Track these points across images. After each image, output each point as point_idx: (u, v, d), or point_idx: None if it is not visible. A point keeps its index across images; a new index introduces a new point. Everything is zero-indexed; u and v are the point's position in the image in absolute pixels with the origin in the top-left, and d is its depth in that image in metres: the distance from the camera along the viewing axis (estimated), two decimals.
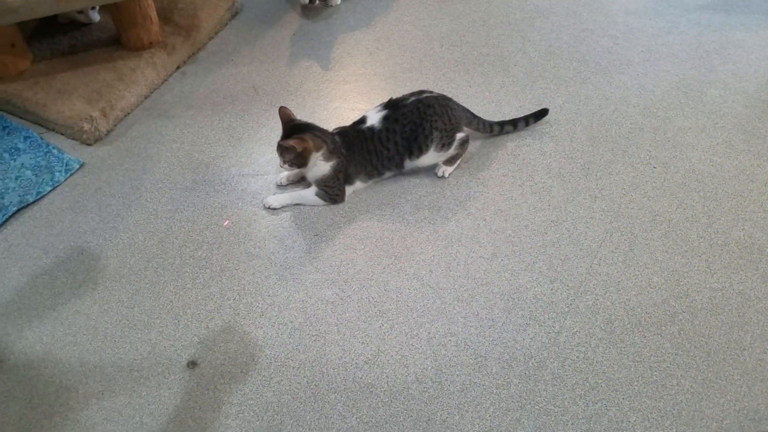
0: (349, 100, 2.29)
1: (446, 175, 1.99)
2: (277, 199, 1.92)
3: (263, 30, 2.61)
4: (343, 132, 1.91)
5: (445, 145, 1.92)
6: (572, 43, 2.56)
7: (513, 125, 2.12)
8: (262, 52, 2.50)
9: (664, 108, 2.26)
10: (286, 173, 1.98)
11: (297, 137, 1.78)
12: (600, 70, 2.42)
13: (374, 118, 1.90)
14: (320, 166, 1.84)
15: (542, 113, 2.16)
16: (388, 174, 1.97)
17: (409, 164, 1.95)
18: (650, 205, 1.93)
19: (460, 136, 1.95)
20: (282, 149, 1.81)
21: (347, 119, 2.15)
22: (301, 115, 2.19)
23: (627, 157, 2.08)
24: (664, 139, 2.14)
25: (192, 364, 1.56)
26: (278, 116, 1.88)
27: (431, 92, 1.94)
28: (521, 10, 2.73)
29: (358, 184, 1.95)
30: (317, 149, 1.81)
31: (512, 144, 2.11)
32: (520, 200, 1.94)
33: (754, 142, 2.13)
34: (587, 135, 2.15)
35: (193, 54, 2.48)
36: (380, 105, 1.93)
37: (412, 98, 1.90)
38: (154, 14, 2.31)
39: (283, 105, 1.87)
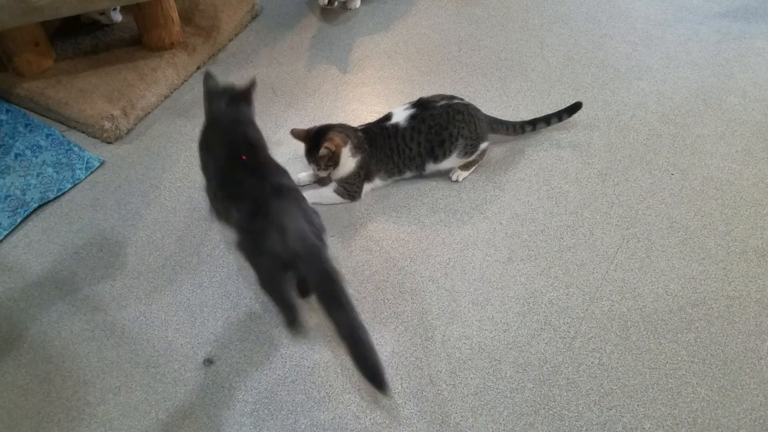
0: (367, 102, 2.30)
1: (460, 179, 1.99)
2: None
3: (282, 32, 2.63)
4: (367, 129, 1.91)
5: (467, 153, 1.93)
6: (591, 48, 2.55)
7: (546, 122, 2.11)
8: (281, 54, 2.51)
9: (682, 115, 2.25)
10: (304, 174, 1.99)
11: (327, 140, 1.78)
12: (618, 76, 2.42)
13: (400, 116, 1.89)
14: (348, 162, 1.84)
15: (575, 107, 2.13)
16: (408, 174, 1.98)
17: (430, 167, 1.95)
18: (668, 212, 1.92)
19: (482, 145, 1.96)
20: (317, 159, 1.81)
21: (365, 121, 2.16)
22: (320, 116, 2.21)
23: (645, 164, 2.07)
24: (682, 146, 2.13)
25: (208, 362, 1.57)
26: (295, 127, 1.88)
27: (461, 99, 1.94)
28: (540, 15, 2.73)
29: (378, 182, 1.96)
30: (345, 144, 1.81)
31: (529, 149, 2.11)
32: (536, 205, 1.94)
33: None
34: (605, 141, 2.14)
35: (213, 55, 2.50)
36: (409, 103, 1.93)
37: (443, 101, 1.90)
38: (175, 15, 2.33)
39: (292, 128, 1.87)
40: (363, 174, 1.89)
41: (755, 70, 2.44)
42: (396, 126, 1.88)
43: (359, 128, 1.92)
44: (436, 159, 1.91)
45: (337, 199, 1.93)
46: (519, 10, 2.75)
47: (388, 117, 1.92)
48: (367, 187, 1.95)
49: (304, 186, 2.00)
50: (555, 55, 2.51)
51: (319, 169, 1.84)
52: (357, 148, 1.84)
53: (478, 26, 2.66)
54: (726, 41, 2.60)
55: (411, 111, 1.89)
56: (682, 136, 2.17)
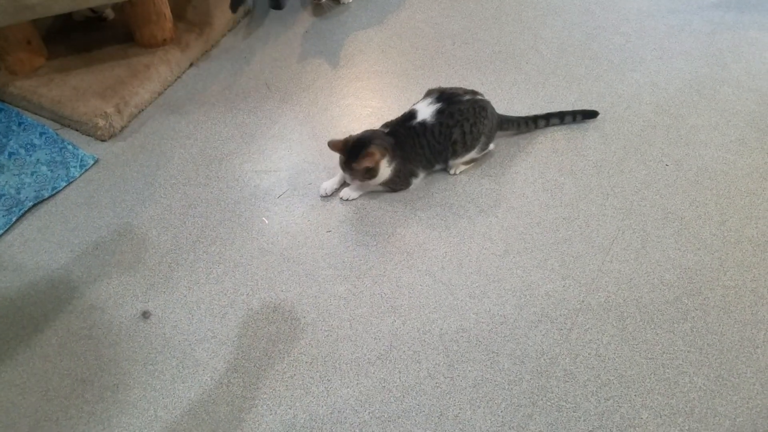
0: (361, 97, 2.29)
1: (458, 172, 2.00)
2: (349, 192, 1.94)
3: (276, 28, 2.62)
4: (394, 132, 1.88)
5: (482, 149, 1.96)
6: (584, 40, 2.55)
7: (560, 118, 2.14)
8: (275, 50, 2.51)
9: (676, 106, 2.26)
10: (330, 184, 1.96)
11: (366, 155, 1.76)
12: (612, 67, 2.42)
13: (426, 113, 1.87)
14: (385, 171, 1.84)
15: (591, 114, 2.18)
16: (437, 167, 1.98)
17: (452, 161, 1.96)
18: (663, 203, 1.93)
19: (492, 145, 2.00)
20: (354, 171, 1.80)
21: (360, 116, 2.17)
22: (314, 112, 2.21)
23: (639, 155, 2.07)
24: (676, 137, 2.13)
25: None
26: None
27: (482, 95, 1.95)
28: (533, 7, 2.72)
29: (421, 175, 1.97)
30: (383, 156, 1.81)
31: (524, 141, 2.11)
32: (532, 197, 1.94)
33: (767, 139, 2.12)
34: (599, 133, 2.15)
35: (206, 51, 2.49)
36: (430, 98, 1.91)
37: (467, 96, 1.90)
38: (168, 11, 2.32)
39: (329, 140, 1.83)
40: (402, 175, 1.89)
41: (748, 60, 2.45)
42: (423, 123, 1.86)
43: (385, 131, 1.89)
44: (460, 154, 1.92)
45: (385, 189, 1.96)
46: (512, 3, 2.74)
47: (412, 115, 1.89)
48: (415, 182, 1.95)
49: (330, 195, 1.96)
50: (549, 47, 2.51)
51: (353, 179, 1.86)
52: (392, 158, 1.84)
53: (472, 19, 2.66)
54: (719, 31, 2.60)
55: (437, 105, 1.87)
56: (676, 127, 2.17)
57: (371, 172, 1.81)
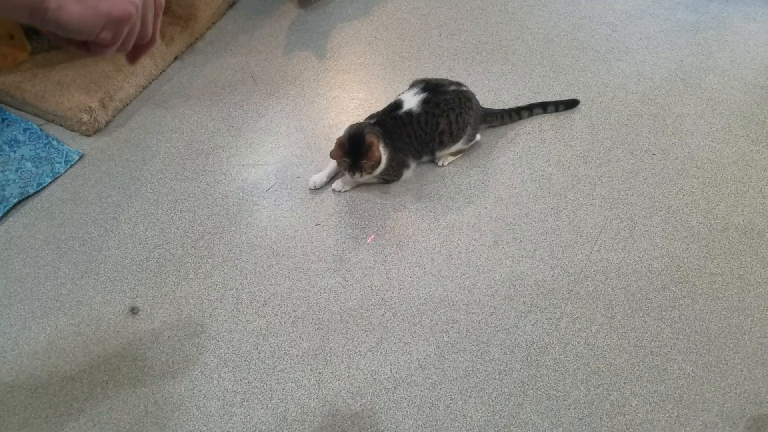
0: (348, 89, 2.28)
1: (446, 164, 2.00)
2: (341, 184, 1.93)
3: (261, 20, 2.60)
4: (380, 122, 1.87)
5: (468, 140, 1.95)
6: (570, 30, 2.55)
7: (543, 108, 2.16)
8: (260, 42, 2.49)
9: (662, 95, 2.27)
10: (319, 177, 1.94)
11: (370, 146, 1.73)
12: (598, 57, 2.42)
13: (412, 102, 1.87)
14: (382, 159, 1.82)
15: (572, 103, 2.20)
16: (425, 158, 1.98)
17: (438, 153, 1.96)
18: (650, 192, 1.94)
19: (478, 136, 2.00)
20: (364, 166, 1.77)
21: (347, 108, 2.16)
22: (302, 104, 2.20)
23: (626, 144, 2.08)
24: (663, 126, 2.14)
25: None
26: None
27: (466, 86, 1.95)
28: None
29: (412, 166, 1.96)
30: (378, 141, 1.78)
31: (511, 132, 2.11)
32: (520, 188, 1.94)
33: (752, 128, 2.14)
34: (586, 122, 2.15)
35: (191, 44, 2.47)
36: (416, 88, 1.90)
37: (452, 87, 1.89)
38: None
39: (330, 152, 1.77)
40: (396, 163, 1.88)
41: (733, 49, 2.46)
42: (410, 113, 1.86)
43: (371, 122, 1.88)
44: (446, 145, 1.92)
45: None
46: None
47: (398, 105, 1.89)
48: (406, 173, 1.95)
49: (319, 188, 1.95)
50: (535, 37, 2.52)
51: (363, 175, 1.81)
52: (385, 145, 1.82)
53: (458, 10, 2.65)
54: (704, 21, 2.61)
55: (422, 95, 1.86)
56: (662, 116, 2.18)
57: (379, 161, 1.79)
